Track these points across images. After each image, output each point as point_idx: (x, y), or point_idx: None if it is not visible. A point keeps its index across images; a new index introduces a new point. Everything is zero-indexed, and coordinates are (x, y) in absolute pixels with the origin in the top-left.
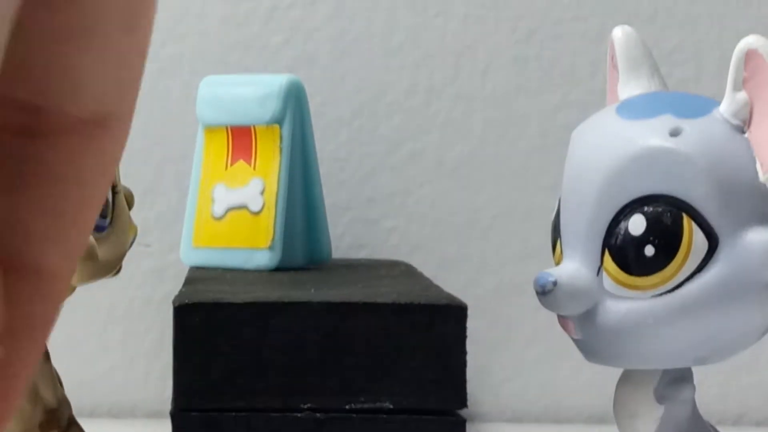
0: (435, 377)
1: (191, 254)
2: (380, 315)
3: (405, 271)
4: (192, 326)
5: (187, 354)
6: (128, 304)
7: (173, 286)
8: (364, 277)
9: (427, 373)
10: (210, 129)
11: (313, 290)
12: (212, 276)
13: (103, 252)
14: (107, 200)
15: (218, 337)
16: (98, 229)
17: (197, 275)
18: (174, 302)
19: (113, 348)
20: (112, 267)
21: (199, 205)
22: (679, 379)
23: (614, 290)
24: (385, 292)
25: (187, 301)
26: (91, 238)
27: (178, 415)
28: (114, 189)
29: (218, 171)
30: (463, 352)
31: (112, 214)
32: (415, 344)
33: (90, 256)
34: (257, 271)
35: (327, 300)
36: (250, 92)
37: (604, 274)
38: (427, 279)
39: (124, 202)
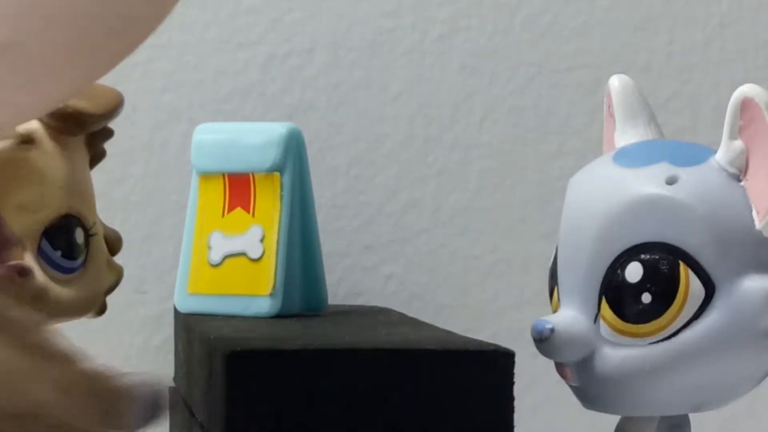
0: (483, 423)
1: (186, 301)
2: (430, 362)
3: (401, 317)
4: (245, 374)
5: (238, 403)
6: (126, 350)
7: (170, 332)
8: (367, 323)
9: (475, 420)
10: (205, 176)
11: (347, 337)
12: (221, 324)
13: (71, 292)
14: (78, 243)
15: (270, 385)
16: (65, 270)
17: (201, 322)
18: (225, 351)
19: None
20: (87, 307)
21: (194, 252)
22: (676, 426)
23: (611, 337)
24: (427, 339)
25: (239, 348)
26: (42, 280)
27: None
28: (88, 231)
29: (214, 218)
30: (511, 398)
31: (86, 256)
32: (463, 391)
33: (40, 297)
34: (257, 318)
35: (376, 347)
36: (248, 140)
37: (601, 321)
38: (431, 325)
39: (102, 244)
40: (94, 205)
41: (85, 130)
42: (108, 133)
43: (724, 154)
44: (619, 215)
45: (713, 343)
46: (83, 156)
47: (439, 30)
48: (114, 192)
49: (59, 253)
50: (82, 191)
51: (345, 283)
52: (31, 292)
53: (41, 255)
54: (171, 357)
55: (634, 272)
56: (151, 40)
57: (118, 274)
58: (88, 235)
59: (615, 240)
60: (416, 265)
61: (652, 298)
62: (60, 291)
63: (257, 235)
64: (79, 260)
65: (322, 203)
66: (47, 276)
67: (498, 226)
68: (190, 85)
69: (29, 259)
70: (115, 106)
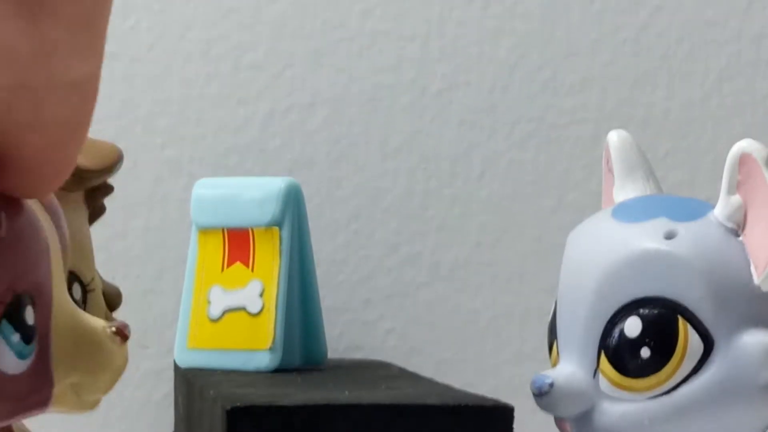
0: None
1: (186, 356)
2: (430, 417)
3: (401, 372)
4: (245, 430)
5: None
6: (127, 405)
7: (171, 387)
8: (367, 378)
9: None
10: (204, 231)
11: (347, 392)
12: (221, 378)
13: None
14: (75, 299)
15: None
16: None
17: (201, 377)
18: (225, 406)
19: None
20: None
21: (194, 307)
22: None
23: (610, 392)
24: (427, 393)
25: (239, 403)
26: None
27: None
28: (86, 287)
29: (214, 273)
30: None
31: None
32: None
33: None
34: (257, 373)
35: (376, 402)
36: (247, 195)
37: (601, 375)
38: (431, 380)
39: (100, 300)
40: (92, 261)
41: (83, 185)
42: (107, 189)
43: (722, 209)
44: (618, 270)
45: (712, 398)
46: (82, 212)
47: (439, 85)
48: (114, 246)
49: None
50: (80, 247)
51: (345, 338)
52: None
53: None
54: (171, 411)
55: (632, 327)
56: (152, 95)
57: None
58: (85, 291)
59: (614, 295)
60: (416, 320)
61: (651, 352)
62: None
63: (257, 289)
64: None
65: (322, 258)
66: None
67: (497, 281)
68: (191, 141)
69: None
70: (113, 162)
